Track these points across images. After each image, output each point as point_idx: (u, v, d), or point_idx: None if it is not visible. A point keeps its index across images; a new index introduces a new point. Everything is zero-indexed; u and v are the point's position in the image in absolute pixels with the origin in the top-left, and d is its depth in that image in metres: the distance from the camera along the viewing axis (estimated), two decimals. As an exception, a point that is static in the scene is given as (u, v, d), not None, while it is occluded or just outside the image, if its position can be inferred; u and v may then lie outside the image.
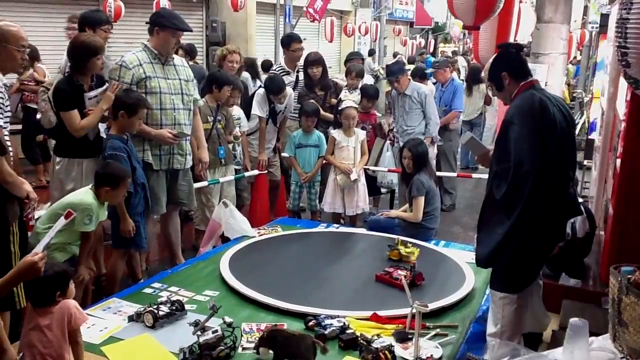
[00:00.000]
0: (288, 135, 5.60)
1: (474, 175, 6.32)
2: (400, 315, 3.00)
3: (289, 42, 5.90)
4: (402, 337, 2.82)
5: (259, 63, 7.95)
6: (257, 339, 2.69)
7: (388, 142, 5.91)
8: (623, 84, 3.21)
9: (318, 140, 5.35)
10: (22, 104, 6.71)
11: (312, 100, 5.51)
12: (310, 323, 2.93)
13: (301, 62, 5.88)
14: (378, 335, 2.78)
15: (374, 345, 2.62)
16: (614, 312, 1.91)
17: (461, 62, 14.86)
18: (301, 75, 5.82)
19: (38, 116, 5.20)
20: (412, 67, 9.52)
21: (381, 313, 3.04)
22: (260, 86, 5.82)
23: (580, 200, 3.43)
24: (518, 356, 2.09)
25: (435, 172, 5.03)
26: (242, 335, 2.83)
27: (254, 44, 11.29)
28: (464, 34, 22.30)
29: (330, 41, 13.31)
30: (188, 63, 4.52)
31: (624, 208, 3.22)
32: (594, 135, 6.09)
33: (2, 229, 2.79)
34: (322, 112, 5.54)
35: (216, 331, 2.65)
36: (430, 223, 4.55)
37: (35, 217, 3.27)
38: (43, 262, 2.09)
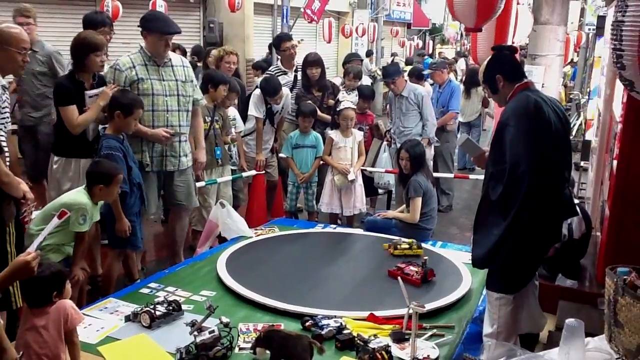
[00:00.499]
0: (284, 137, 5.61)
1: (471, 176, 6.33)
2: (397, 315, 3.01)
3: (278, 42, 5.94)
4: (399, 338, 2.83)
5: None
6: (253, 339, 2.70)
7: (385, 143, 5.92)
8: (619, 85, 3.22)
9: (315, 141, 5.35)
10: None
11: (309, 101, 5.52)
12: (307, 323, 2.93)
13: (300, 62, 5.90)
14: (375, 335, 2.78)
15: (371, 345, 2.62)
16: (609, 313, 1.92)
17: (461, 64, 14.84)
18: (299, 76, 5.82)
19: None
20: (409, 67, 9.52)
21: (378, 313, 3.05)
22: (256, 87, 5.82)
23: (577, 201, 3.44)
24: (514, 357, 2.09)
25: (432, 173, 5.04)
26: (238, 336, 2.83)
27: (251, 44, 11.27)
28: (462, 35, 22.34)
29: (328, 42, 13.31)
30: (196, 65, 4.52)
31: (620, 209, 3.22)
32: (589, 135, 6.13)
33: (-2, 229, 2.79)
34: (319, 113, 5.55)
35: (213, 331, 2.65)
36: (427, 224, 4.56)
37: (32, 217, 3.26)
38: (36, 261, 2.09)
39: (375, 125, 5.96)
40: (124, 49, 6.53)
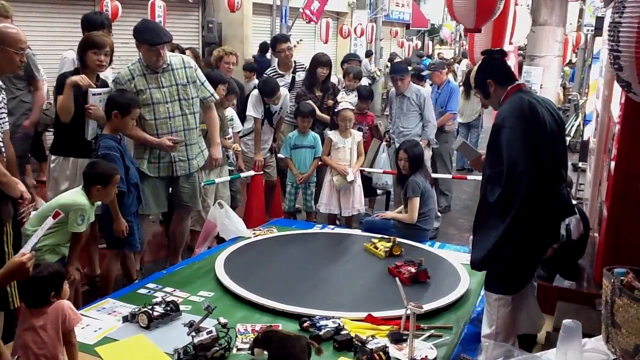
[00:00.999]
0: (283, 138, 5.61)
1: (470, 177, 6.33)
2: (395, 316, 3.01)
3: (274, 44, 5.92)
4: (397, 338, 2.83)
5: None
6: (251, 339, 2.69)
7: (384, 143, 5.92)
8: (618, 86, 3.22)
9: (313, 141, 5.35)
10: None
11: (309, 101, 5.52)
12: (305, 324, 2.93)
13: (301, 62, 5.90)
14: (373, 336, 2.78)
15: (369, 346, 2.62)
16: (607, 314, 1.92)
17: (464, 65, 14.78)
18: (297, 77, 5.81)
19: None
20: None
21: (376, 314, 3.05)
22: (254, 87, 5.82)
23: (575, 202, 3.45)
24: (512, 357, 2.09)
25: (430, 173, 5.04)
26: (236, 336, 2.83)
27: (250, 44, 11.29)
28: (460, 35, 22.34)
29: (326, 42, 13.31)
30: (200, 65, 4.53)
31: (618, 210, 3.23)
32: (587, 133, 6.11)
33: (-4, 229, 2.79)
34: (318, 113, 5.55)
35: (211, 332, 2.65)
36: (425, 224, 4.56)
37: (30, 217, 3.26)
38: (31, 262, 2.08)
39: (375, 125, 5.96)
40: (123, 49, 6.53)
